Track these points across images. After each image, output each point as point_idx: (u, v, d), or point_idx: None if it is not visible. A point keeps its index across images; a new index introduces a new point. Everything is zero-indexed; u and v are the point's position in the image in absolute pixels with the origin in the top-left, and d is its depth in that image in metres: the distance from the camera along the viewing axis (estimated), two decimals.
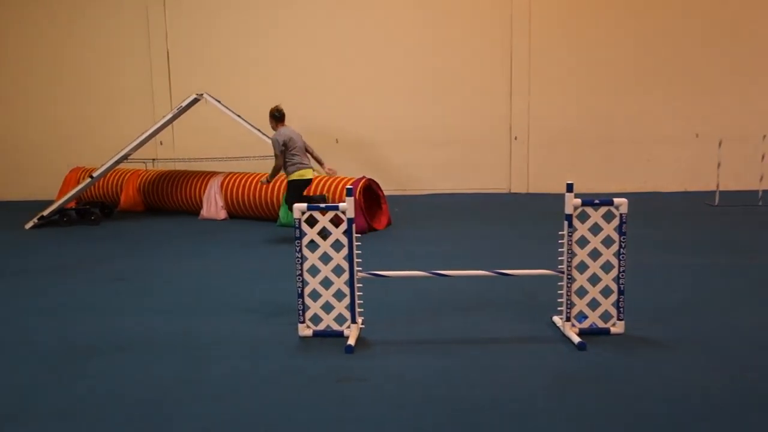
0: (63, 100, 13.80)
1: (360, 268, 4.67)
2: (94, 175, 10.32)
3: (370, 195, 9.35)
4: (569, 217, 4.55)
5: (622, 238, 4.54)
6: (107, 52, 13.67)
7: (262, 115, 11.87)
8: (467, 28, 13.15)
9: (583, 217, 4.58)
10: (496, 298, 5.61)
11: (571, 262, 4.60)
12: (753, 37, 12.85)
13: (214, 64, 13.36)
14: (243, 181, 10.27)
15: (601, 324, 4.69)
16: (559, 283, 4.70)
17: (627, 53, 13.00)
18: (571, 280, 4.62)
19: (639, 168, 13.17)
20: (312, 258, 4.67)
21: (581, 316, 4.72)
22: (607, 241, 4.59)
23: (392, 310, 5.35)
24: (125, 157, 10.62)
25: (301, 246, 4.63)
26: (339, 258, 4.64)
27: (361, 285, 4.67)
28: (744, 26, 12.85)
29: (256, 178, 10.14)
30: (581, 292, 4.68)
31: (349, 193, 4.54)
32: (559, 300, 4.72)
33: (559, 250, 4.67)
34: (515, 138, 13.29)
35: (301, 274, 4.67)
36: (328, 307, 4.75)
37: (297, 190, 8.12)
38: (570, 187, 4.53)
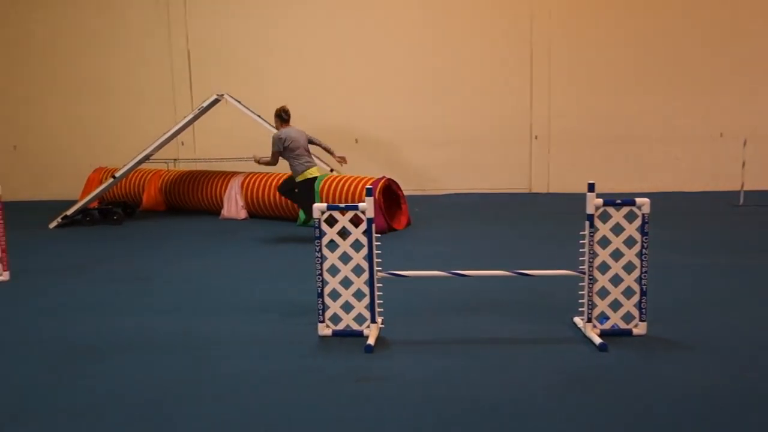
0: (86, 101, 13.96)
1: (380, 268, 4.67)
2: (117, 175, 10.42)
3: (389, 195, 9.35)
4: (591, 217, 4.51)
5: (644, 238, 4.49)
6: (129, 53, 13.80)
7: None
8: (487, 27, 13.09)
9: (605, 217, 4.54)
10: (517, 299, 5.57)
11: (592, 262, 4.56)
12: None
13: (235, 65, 13.43)
14: (263, 181, 10.32)
15: (623, 325, 4.64)
16: (581, 284, 4.66)
17: (650, 51, 12.86)
18: (592, 280, 4.58)
19: (662, 167, 13.02)
20: (332, 258, 4.68)
21: (603, 317, 4.68)
22: (629, 242, 4.54)
23: (412, 310, 5.34)
24: (147, 158, 10.72)
25: (320, 246, 4.64)
26: (359, 258, 4.65)
27: (380, 285, 4.67)
28: None
29: (277, 179, 10.18)
30: (603, 293, 4.64)
31: (369, 193, 4.54)
32: (581, 301, 4.68)
33: (581, 250, 4.64)
34: (536, 137, 13.20)
35: (321, 274, 4.68)
36: (347, 307, 4.75)
37: (295, 186, 8.27)
38: (591, 187, 4.49)
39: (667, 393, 3.70)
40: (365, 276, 4.64)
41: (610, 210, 4.55)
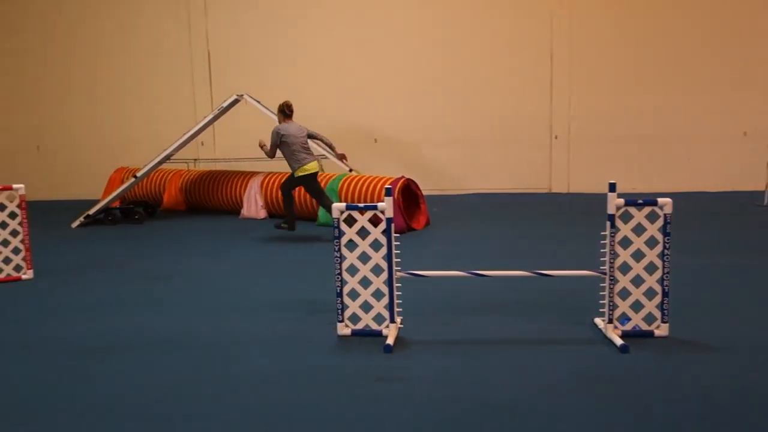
0: (108, 102, 14.11)
1: (399, 268, 4.67)
2: (138, 175, 10.52)
3: (408, 195, 9.34)
4: (612, 218, 4.47)
5: (666, 239, 4.44)
6: (150, 55, 13.92)
7: (302, 115, 11.94)
8: (506, 27, 13.02)
9: (626, 218, 4.50)
10: (537, 299, 5.54)
11: (613, 263, 4.52)
12: None
13: (254, 66, 13.50)
14: (283, 180, 10.34)
15: (644, 326, 4.59)
16: (601, 285, 4.62)
17: (672, 49, 12.71)
18: (613, 281, 4.54)
19: (684, 167, 12.87)
20: (351, 257, 4.68)
21: (624, 319, 4.63)
22: (651, 242, 4.49)
23: (432, 310, 5.33)
24: (168, 158, 10.81)
25: (339, 245, 4.65)
26: (378, 257, 4.64)
27: (399, 284, 4.66)
28: None
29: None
30: (624, 294, 4.60)
31: (388, 192, 4.54)
32: (601, 302, 4.64)
33: (602, 251, 4.60)
34: (556, 137, 13.12)
35: (340, 274, 4.69)
36: (366, 307, 4.75)
37: (297, 183, 8.40)
38: (612, 187, 4.45)
39: (689, 395, 3.66)
40: (384, 276, 4.64)
41: (632, 210, 4.51)
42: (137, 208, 10.76)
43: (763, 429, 3.28)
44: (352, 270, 4.71)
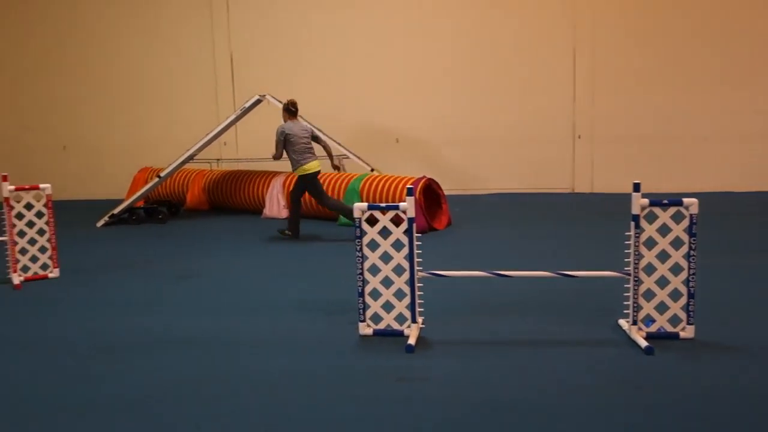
0: (132, 103, 14.26)
1: (420, 268, 4.66)
2: (162, 174, 10.62)
3: (430, 194, 9.32)
4: (636, 218, 4.42)
5: (692, 239, 4.38)
6: (174, 56, 14.05)
7: (323, 115, 12.06)
8: (528, 25, 12.94)
9: (651, 218, 4.44)
10: (560, 300, 5.50)
11: (638, 264, 4.47)
12: None
13: (277, 66, 13.55)
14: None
15: (669, 328, 4.54)
16: (626, 286, 4.57)
17: (697, 47, 12.54)
18: (638, 282, 4.49)
19: (710, 167, 12.68)
20: (372, 257, 4.68)
21: (649, 320, 4.58)
22: (676, 243, 4.43)
23: (453, 310, 5.31)
24: (191, 158, 10.89)
25: (361, 245, 4.65)
26: (399, 257, 4.64)
27: (421, 284, 4.66)
28: None
29: (319, 178, 10.22)
30: (649, 295, 4.54)
31: (410, 192, 4.53)
32: (626, 303, 4.59)
33: (626, 251, 4.55)
34: (579, 136, 13.00)
35: (362, 273, 4.69)
36: (388, 306, 4.75)
37: (303, 186, 8.47)
38: (637, 187, 4.40)
39: (715, 398, 3.61)
40: (406, 276, 4.63)
41: (657, 210, 4.46)
42: (161, 208, 10.86)
43: None
44: (374, 270, 4.71)
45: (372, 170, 10.64)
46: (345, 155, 11.14)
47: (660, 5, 12.59)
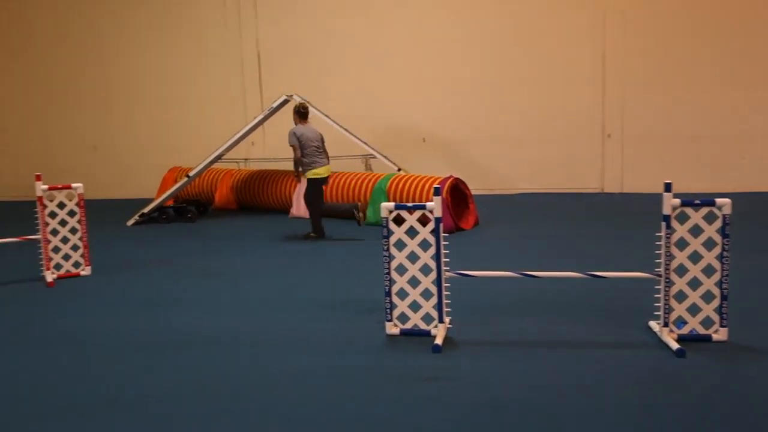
0: (161, 103, 14.43)
1: (447, 268, 4.64)
2: (191, 174, 10.73)
3: (457, 194, 9.28)
4: (667, 218, 4.35)
5: (725, 240, 4.30)
6: (202, 57, 14.18)
7: (350, 115, 12.09)
8: (556, 24, 12.82)
9: (683, 218, 4.37)
10: (589, 301, 5.43)
11: (669, 265, 4.39)
12: None
13: (303, 66, 13.61)
14: (331, 180, 10.38)
15: (701, 330, 4.46)
16: (656, 287, 4.50)
17: (727, 46, 12.30)
18: (669, 283, 4.42)
19: (742, 166, 12.43)
20: (399, 257, 4.68)
21: (680, 322, 4.51)
22: (708, 244, 4.35)
23: (480, 310, 5.29)
24: (219, 157, 10.99)
25: (388, 245, 4.65)
26: (426, 257, 4.63)
27: (448, 284, 4.64)
28: None
29: (344, 178, 10.26)
30: (680, 297, 4.47)
31: (437, 192, 4.52)
32: (656, 304, 4.52)
33: (657, 252, 4.48)
34: (608, 135, 12.84)
35: (389, 273, 4.69)
36: (415, 306, 4.74)
37: (314, 188, 8.57)
38: (668, 187, 4.33)
39: (749, 403, 3.53)
40: (433, 275, 4.62)
41: (688, 211, 4.38)
42: (190, 207, 10.97)
43: None
44: (401, 269, 4.70)
45: (399, 170, 10.63)
46: (372, 155, 11.14)
47: (689, 7, 12.38)
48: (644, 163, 12.68)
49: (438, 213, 4.53)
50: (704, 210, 4.37)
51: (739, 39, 12.28)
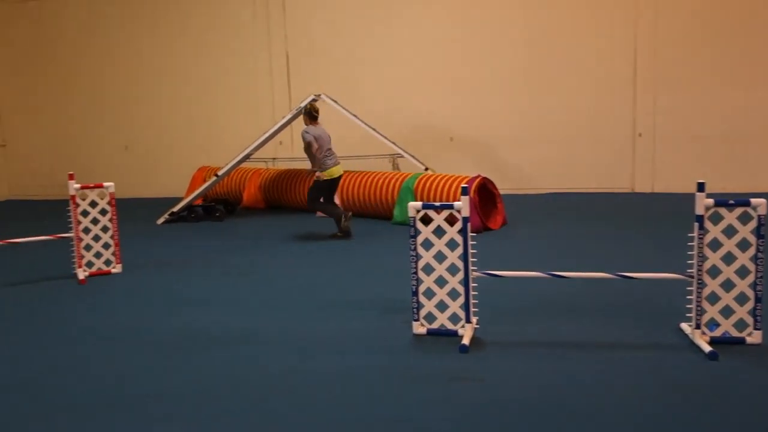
0: (190, 103, 14.60)
1: (475, 268, 4.61)
2: (219, 173, 10.82)
3: (485, 194, 9.22)
4: (700, 219, 4.27)
5: (759, 241, 4.21)
6: (231, 57, 14.31)
7: (378, 114, 12.10)
8: (587, 22, 12.67)
9: (716, 219, 4.29)
10: (618, 303, 5.36)
11: (701, 266, 4.31)
12: None
13: (332, 66, 13.65)
14: (358, 179, 10.42)
15: (735, 333, 4.37)
16: (688, 288, 4.42)
17: (759, 44, 12.05)
18: (701, 285, 4.34)
19: None
20: (427, 256, 4.66)
21: (712, 324, 4.42)
22: (743, 245, 4.26)
23: (508, 311, 5.25)
24: (247, 157, 11.08)
25: (416, 244, 4.63)
26: (454, 257, 4.61)
27: (476, 284, 4.61)
28: None
29: (372, 177, 10.27)
30: (713, 299, 4.38)
31: (465, 191, 4.49)
32: (688, 306, 4.44)
33: (689, 253, 4.40)
34: (639, 134, 12.66)
35: (416, 273, 4.67)
36: (442, 306, 4.72)
37: (323, 188, 8.67)
38: (701, 187, 4.25)
39: None
40: (460, 275, 4.60)
41: (722, 211, 4.30)
42: (218, 206, 11.08)
43: None
44: (428, 269, 4.69)
45: (426, 169, 10.61)
46: (399, 154, 11.14)
47: (723, 2, 12.14)
48: (676, 162, 12.48)
49: (465, 212, 4.50)
50: (738, 210, 4.28)
51: None
